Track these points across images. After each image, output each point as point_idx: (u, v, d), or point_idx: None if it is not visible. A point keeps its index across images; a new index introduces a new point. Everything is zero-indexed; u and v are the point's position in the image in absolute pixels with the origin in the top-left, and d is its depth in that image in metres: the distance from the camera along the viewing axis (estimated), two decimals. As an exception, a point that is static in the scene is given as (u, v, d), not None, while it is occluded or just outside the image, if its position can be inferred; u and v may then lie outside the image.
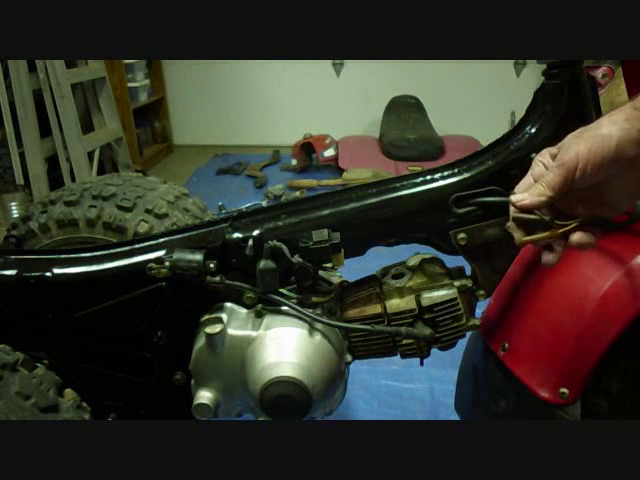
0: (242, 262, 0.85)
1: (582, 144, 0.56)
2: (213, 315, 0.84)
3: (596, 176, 0.57)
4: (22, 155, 2.64)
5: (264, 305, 0.86)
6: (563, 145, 0.60)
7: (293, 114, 4.27)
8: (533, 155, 0.79)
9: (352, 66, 4.15)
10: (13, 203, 2.56)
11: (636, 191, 0.59)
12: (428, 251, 0.86)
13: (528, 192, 0.60)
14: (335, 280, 0.89)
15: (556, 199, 0.59)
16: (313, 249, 0.80)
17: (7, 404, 0.72)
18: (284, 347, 0.81)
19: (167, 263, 0.84)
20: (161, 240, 0.90)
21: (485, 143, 0.85)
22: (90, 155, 2.94)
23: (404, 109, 3.79)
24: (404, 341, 0.84)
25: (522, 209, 0.61)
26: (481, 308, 0.88)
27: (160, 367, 0.93)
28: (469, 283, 0.83)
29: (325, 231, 0.81)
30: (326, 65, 4.17)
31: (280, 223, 0.86)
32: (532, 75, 3.93)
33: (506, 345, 0.82)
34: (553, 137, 0.79)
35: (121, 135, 3.25)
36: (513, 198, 0.61)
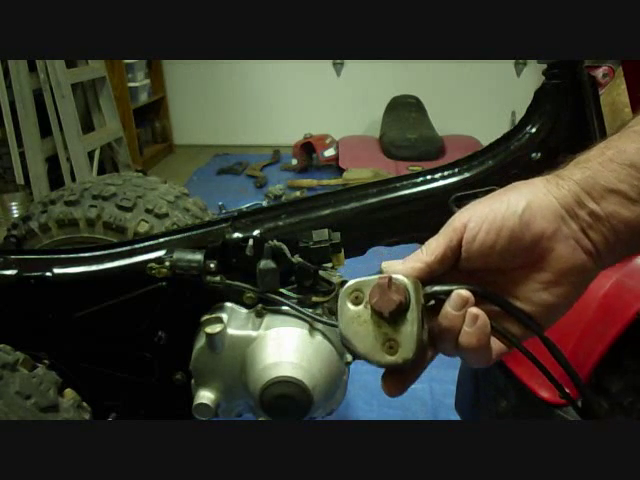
0: (242, 262, 0.85)
1: (481, 204, 0.46)
2: (213, 315, 0.84)
3: (493, 247, 0.44)
4: (22, 155, 2.64)
5: (264, 305, 0.86)
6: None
7: (293, 114, 4.27)
8: (533, 155, 0.79)
9: (352, 66, 4.15)
10: (13, 203, 2.56)
11: (547, 283, 0.44)
12: (428, 251, 0.86)
13: (407, 258, 0.48)
14: (335, 280, 0.89)
15: (439, 271, 0.46)
16: (313, 249, 0.80)
17: (7, 404, 0.72)
18: (284, 347, 0.81)
19: (167, 263, 0.83)
20: (161, 240, 0.90)
21: (485, 143, 0.85)
22: (90, 155, 2.94)
23: (404, 109, 3.79)
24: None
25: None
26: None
27: (160, 367, 0.93)
28: (469, 283, 0.83)
29: (325, 231, 0.81)
30: (326, 65, 4.16)
31: (280, 223, 0.86)
32: (532, 75, 3.93)
33: (506, 345, 0.82)
34: (553, 137, 0.79)
35: (121, 135, 3.25)
36: (384, 264, 0.48)
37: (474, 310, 0.44)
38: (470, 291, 0.44)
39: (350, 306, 0.45)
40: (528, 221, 0.43)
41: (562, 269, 0.43)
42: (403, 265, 0.47)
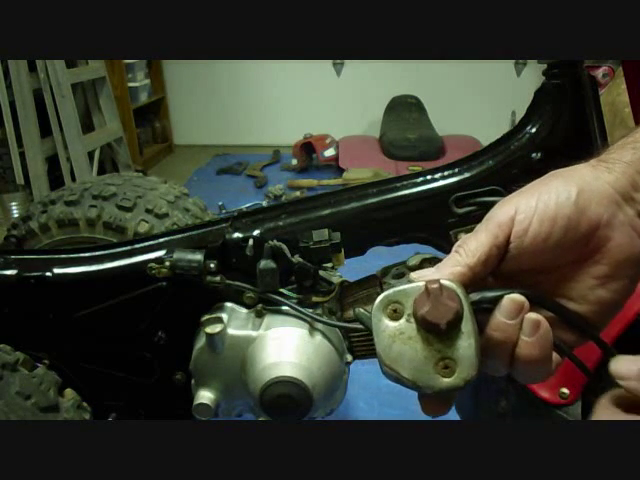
0: (242, 262, 0.85)
1: (522, 195, 0.40)
2: (213, 315, 0.84)
3: (548, 240, 0.38)
4: (22, 155, 2.64)
5: (264, 305, 0.86)
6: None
7: (293, 114, 4.27)
8: (533, 155, 0.79)
9: (352, 66, 4.15)
10: (13, 203, 2.56)
11: (603, 278, 0.40)
12: (428, 251, 0.86)
13: (440, 264, 0.41)
14: (335, 280, 0.89)
15: (482, 275, 0.40)
16: (313, 249, 0.80)
17: (7, 404, 0.72)
18: (284, 347, 0.81)
19: (167, 263, 0.83)
20: (161, 240, 0.90)
21: (485, 143, 0.85)
22: (90, 155, 2.94)
23: (404, 109, 3.79)
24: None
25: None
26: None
27: (160, 367, 0.93)
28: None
29: (325, 231, 0.81)
30: (326, 65, 4.17)
31: (280, 223, 0.86)
32: (532, 75, 3.93)
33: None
34: (553, 137, 0.79)
35: (121, 135, 3.25)
36: (413, 275, 0.40)
37: (533, 316, 0.38)
38: (523, 295, 0.38)
39: (388, 322, 0.37)
40: (583, 208, 0.38)
41: (619, 260, 0.39)
42: (440, 273, 0.39)
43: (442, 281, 0.36)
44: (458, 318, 0.36)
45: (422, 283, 0.37)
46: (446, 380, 0.37)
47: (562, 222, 0.38)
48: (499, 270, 0.41)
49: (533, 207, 0.39)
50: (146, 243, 0.90)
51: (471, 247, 0.39)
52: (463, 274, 0.39)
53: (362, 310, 0.41)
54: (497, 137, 0.83)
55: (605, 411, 0.34)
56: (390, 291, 0.38)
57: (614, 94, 1.66)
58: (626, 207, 0.39)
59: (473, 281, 0.39)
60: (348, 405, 1.52)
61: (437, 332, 0.36)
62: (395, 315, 0.37)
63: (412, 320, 0.37)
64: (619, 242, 0.39)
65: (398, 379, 0.38)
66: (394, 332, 0.37)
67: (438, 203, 0.81)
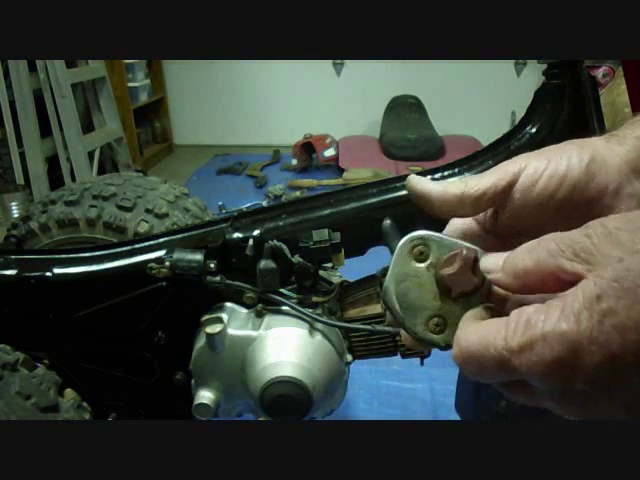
0: (242, 262, 0.85)
1: (534, 156, 0.41)
2: (213, 315, 0.84)
3: (554, 196, 0.39)
4: (22, 155, 2.64)
5: (264, 305, 0.86)
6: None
7: (293, 114, 4.27)
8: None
9: (352, 66, 4.15)
10: (13, 203, 2.56)
11: None
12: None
13: (438, 182, 0.42)
14: (335, 280, 0.89)
15: (468, 212, 0.41)
16: (313, 249, 0.80)
17: (7, 404, 0.72)
18: (284, 347, 0.81)
19: (167, 263, 0.83)
20: (161, 240, 0.90)
21: (485, 143, 0.85)
22: (90, 155, 2.94)
23: (404, 109, 3.79)
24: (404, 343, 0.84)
25: (419, 198, 0.42)
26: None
27: (160, 367, 0.93)
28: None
29: (325, 231, 0.81)
30: (326, 65, 4.17)
31: (280, 223, 0.86)
32: (532, 75, 3.93)
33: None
34: (553, 137, 0.79)
35: (121, 135, 3.25)
36: (412, 179, 0.42)
37: None
38: None
39: (409, 259, 0.38)
40: (593, 174, 0.38)
41: None
42: (434, 184, 0.40)
43: (480, 255, 0.36)
44: (473, 293, 0.36)
45: (461, 245, 0.37)
46: (429, 334, 0.38)
47: (571, 182, 0.39)
48: (497, 226, 0.42)
49: (544, 164, 0.39)
50: (146, 243, 0.90)
51: (472, 181, 0.40)
52: (455, 196, 0.40)
53: (390, 225, 0.44)
54: (497, 137, 0.83)
55: (467, 325, 0.35)
56: (422, 233, 0.38)
57: (614, 94, 1.66)
58: (634, 180, 0.40)
59: (456, 213, 0.41)
60: (348, 405, 1.52)
61: (447, 294, 0.37)
62: (419, 257, 0.38)
63: (432, 270, 0.37)
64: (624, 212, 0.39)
65: (390, 309, 0.39)
66: (410, 272, 0.38)
67: (438, 203, 0.81)
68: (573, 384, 0.30)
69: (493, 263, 0.36)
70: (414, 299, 0.38)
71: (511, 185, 0.40)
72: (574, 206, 0.39)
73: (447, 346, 0.38)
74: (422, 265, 0.38)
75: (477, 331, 0.34)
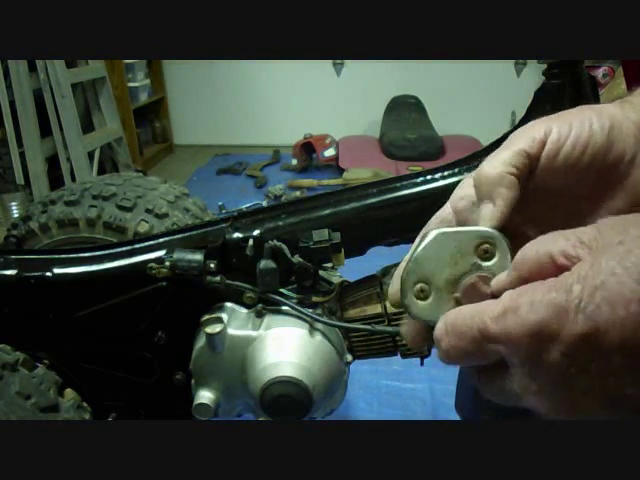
0: (242, 262, 0.85)
1: (554, 120, 0.39)
2: (213, 315, 0.84)
3: (576, 165, 0.38)
4: (22, 155, 2.64)
5: (264, 305, 0.86)
6: None
7: (293, 114, 4.27)
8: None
9: (352, 66, 4.15)
10: (13, 203, 2.56)
11: (619, 212, 0.39)
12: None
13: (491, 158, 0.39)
14: (335, 280, 0.89)
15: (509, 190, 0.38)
16: (313, 249, 0.80)
17: (7, 404, 0.72)
18: (284, 347, 0.81)
19: (167, 263, 0.83)
20: (161, 240, 0.90)
21: (485, 143, 0.85)
22: (90, 155, 2.94)
23: (404, 109, 3.79)
24: (404, 341, 0.84)
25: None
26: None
27: (160, 367, 0.93)
28: (469, 283, 0.83)
29: (325, 231, 0.81)
30: (326, 65, 4.17)
31: (280, 223, 0.86)
32: (532, 75, 3.93)
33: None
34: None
35: (121, 135, 3.25)
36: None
37: None
38: None
39: (474, 253, 0.37)
40: (613, 140, 0.38)
41: (637, 196, 0.39)
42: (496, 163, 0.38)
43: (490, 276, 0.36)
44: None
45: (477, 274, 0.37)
46: (414, 301, 0.39)
47: (593, 149, 0.38)
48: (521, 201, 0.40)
49: (567, 130, 0.38)
50: (146, 243, 0.90)
51: (501, 156, 0.38)
52: (524, 163, 0.38)
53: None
54: (497, 137, 0.83)
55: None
56: (502, 236, 0.37)
57: (614, 94, 1.66)
58: None
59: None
60: (348, 405, 1.52)
61: (453, 289, 0.37)
62: (484, 255, 0.37)
63: (473, 271, 0.37)
64: (638, 179, 0.39)
65: (412, 249, 0.39)
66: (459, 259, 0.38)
67: (438, 203, 0.81)
68: (549, 354, 0.30)
69: (504, 281, 0.35)
70: (432, 261, 0.38)
71: (538, 153, 0.38)
72: (594, 174, 0.39)
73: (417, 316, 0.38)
74: (480, 262, 0.37)
75: (468, 307, 0.34)
